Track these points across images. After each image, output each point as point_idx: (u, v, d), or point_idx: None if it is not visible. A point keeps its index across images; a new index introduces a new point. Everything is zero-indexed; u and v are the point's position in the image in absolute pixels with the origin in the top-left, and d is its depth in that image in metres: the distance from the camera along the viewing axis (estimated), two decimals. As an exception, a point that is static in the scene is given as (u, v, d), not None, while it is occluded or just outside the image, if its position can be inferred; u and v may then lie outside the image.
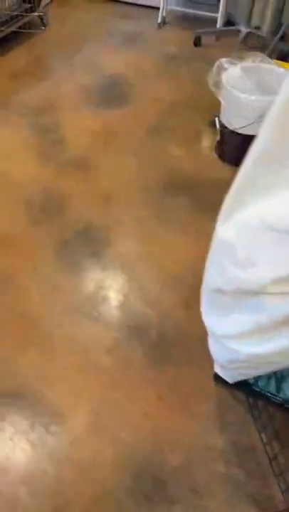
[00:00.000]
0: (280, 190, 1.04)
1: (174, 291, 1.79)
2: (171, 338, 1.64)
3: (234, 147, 2.28)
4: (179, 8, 3.75)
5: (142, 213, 2.11)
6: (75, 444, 1.38)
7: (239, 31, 3.37)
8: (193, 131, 2.61)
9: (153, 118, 2.69)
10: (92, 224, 2.04)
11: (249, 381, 1.44)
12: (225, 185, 1.15)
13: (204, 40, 3.45)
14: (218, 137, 2.42)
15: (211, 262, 1.25)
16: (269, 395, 1.43)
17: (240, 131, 2.22)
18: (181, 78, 3.06)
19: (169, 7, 3.69)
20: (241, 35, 3.35)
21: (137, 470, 1.33)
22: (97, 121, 2.65)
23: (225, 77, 2.30)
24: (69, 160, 2.38)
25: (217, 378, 1.50)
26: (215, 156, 2.45)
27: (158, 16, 3.67)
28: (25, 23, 3.37)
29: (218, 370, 1.48)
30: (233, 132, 2.28)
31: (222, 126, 2.36)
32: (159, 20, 3.66)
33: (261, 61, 2.39)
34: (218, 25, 3.55)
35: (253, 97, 2.20)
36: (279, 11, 3.37)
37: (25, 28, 3.37)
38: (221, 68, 2.33)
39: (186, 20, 3.77)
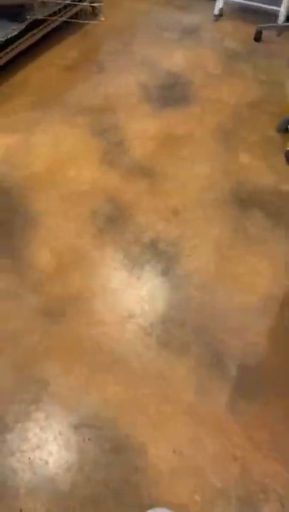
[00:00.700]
0: None
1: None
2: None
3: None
4: (237, 0, 3.53)
5: (215, 230, 1.95)
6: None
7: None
8: (262, 136, 2.42)
9: (218, 121, 2.51)
10: (160, 237, 1.89)
11: None
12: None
13: (264, 34, 3.25)
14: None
15: None
16: None
17: None
18: (246, 76, 2.86)
19: (227, -2, 3.50)
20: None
21: None
22: (158, 122, 2.49)
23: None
24: (133, 165, 2.21)
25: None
26: (288, 165, 2.27)
27: (214, 7, 3.48)
28: (77, 13, 3.21)
29: None
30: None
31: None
32: (216, 12, 3.47)
33: None
34: (281, 20, 3.34)
35: None
36: None
37: (76, 18, 3.21)
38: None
39: (244, 13, 3.57)
